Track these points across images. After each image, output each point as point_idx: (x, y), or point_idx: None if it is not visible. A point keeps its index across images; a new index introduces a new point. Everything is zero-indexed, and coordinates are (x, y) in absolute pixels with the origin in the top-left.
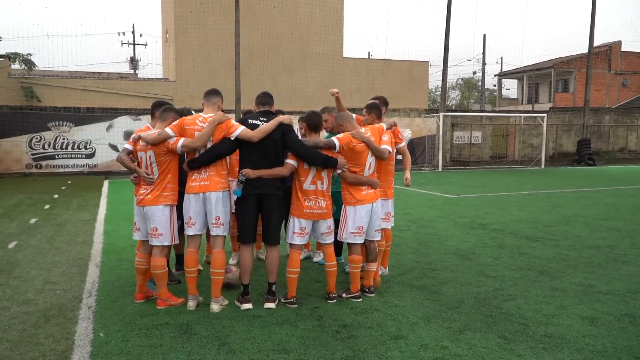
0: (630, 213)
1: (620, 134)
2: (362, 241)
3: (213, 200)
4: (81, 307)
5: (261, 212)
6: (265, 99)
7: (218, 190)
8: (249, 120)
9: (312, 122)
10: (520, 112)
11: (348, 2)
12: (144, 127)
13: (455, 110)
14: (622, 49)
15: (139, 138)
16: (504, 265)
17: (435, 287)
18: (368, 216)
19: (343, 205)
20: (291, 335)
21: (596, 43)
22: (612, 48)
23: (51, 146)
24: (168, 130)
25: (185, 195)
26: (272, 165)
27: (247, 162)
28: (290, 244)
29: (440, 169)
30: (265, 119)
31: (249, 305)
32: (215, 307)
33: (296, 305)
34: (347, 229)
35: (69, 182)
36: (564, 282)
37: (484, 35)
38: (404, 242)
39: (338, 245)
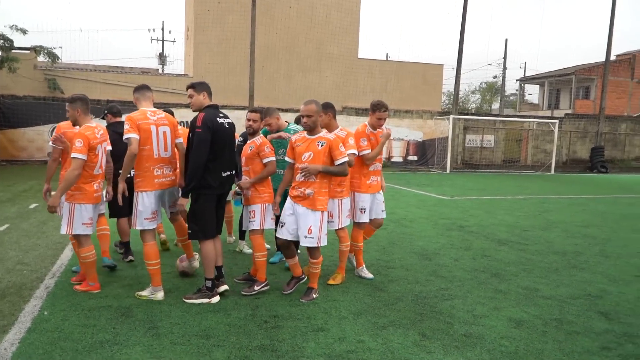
0: (614, 221)
1: (636, 143)
2: None
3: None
4: (39, 287)
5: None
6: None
7: None
8: (218, 120)
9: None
10: (533, 117)
11: (365, 3)
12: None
13: (466, 114)
14: None
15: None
16: (461, 266)
17: (382, 284)
18: None
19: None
20: (220, 322)
21: (620, 50)
22: (635, 56)
23: None
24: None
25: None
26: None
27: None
28: (262, 230)
29: (448, 171)
30: (222, 116)
31: (218, 298)
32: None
33: (269, 287)
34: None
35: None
36: (510, 285)
37: (506, 39)
38: (374, 240)
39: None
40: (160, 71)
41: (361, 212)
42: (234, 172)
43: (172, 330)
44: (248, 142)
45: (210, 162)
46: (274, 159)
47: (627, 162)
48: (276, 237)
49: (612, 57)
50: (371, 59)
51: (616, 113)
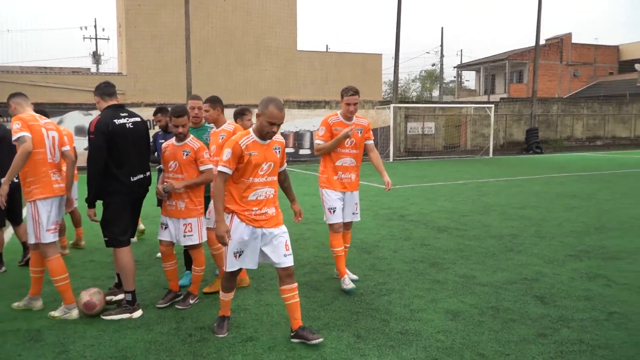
0: (549, 201)
1: (567, 123)
2: None
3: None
4: None
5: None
6: (113, 89)
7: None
8: (116, 121)
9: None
10: (470, 103)
11: None
12: None
13: (406, 102)
14: (573, 41)
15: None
16: (400, 258)
17: (318, 283)
18: None
19: None
20: (140, 340)
21: (549, 35)
22: (563, 40)
23: None
24: None
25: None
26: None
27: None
28: (201, 244)
29: (391, 160)
30: (126, 115)
31: (140, 312)
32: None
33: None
34: None
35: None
36: (448, 274)
37: (442, 28)
38: (313, 237)
39: None
40: (93, 70)
41: (330, 211)
42: (148, 174)
43: (84, 353)
44: (178, 145)
45: (115, 168)
46: (211, 166)
47: (560, 141)
48: (230, 272)
49: (542, 42)
50: (311, 50)
51: (548, 95)
